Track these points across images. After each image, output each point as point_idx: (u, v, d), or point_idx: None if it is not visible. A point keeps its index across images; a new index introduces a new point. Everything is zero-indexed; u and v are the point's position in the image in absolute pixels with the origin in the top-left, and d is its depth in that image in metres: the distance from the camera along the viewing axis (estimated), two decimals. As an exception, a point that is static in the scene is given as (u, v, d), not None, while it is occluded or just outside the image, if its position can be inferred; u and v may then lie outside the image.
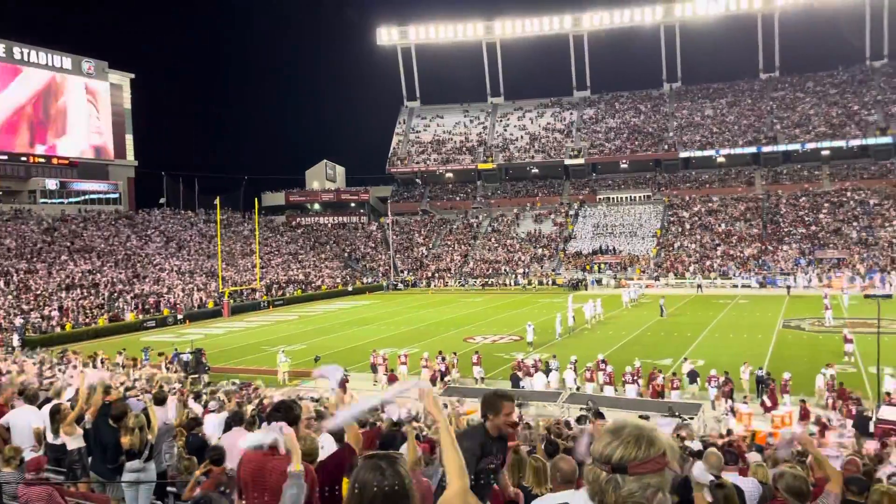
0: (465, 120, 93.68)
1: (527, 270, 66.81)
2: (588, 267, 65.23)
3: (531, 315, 40.78)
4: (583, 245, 69.82)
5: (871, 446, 13.28)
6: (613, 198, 77.84)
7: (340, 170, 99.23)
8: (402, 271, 71.89)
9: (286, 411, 4.00)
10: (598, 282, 60.99)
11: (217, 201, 59.95)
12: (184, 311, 48.58)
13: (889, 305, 31.19)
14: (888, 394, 18.42)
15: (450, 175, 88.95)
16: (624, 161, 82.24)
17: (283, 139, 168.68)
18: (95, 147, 70.52)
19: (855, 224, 62.22)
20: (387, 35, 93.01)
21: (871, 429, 16.18)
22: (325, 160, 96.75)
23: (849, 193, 66.70)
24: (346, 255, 77.00)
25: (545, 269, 66.94)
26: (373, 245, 79.19)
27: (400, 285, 67.96)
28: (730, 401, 19.92)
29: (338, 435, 5.03)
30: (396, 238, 77.55)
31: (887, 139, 70.60)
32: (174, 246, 63.31)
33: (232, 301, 52.53)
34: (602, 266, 64.96)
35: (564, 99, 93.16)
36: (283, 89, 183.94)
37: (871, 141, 71.51)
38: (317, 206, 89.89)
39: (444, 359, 25.14)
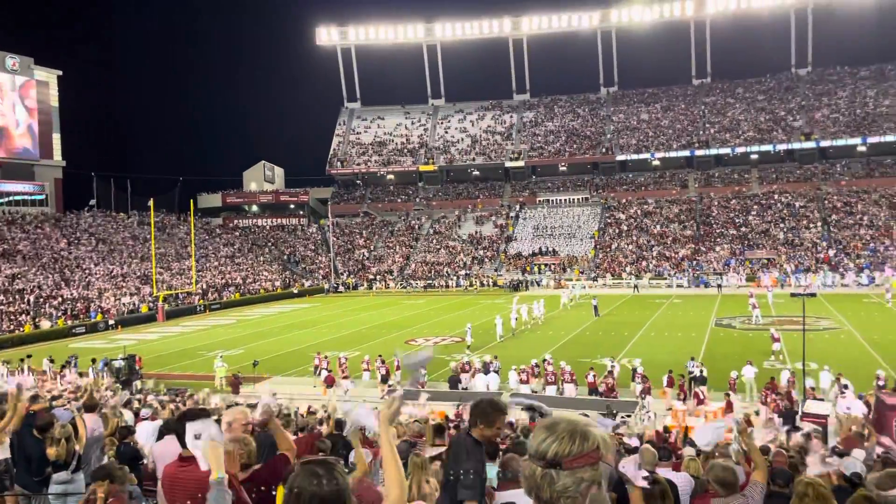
0: (406, 122, 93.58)
1: (468, 272, 67.13)
2: (528, 268, 65.97)
3: (472, 316, 41.02)
4: (523, 246, 70.58)
5: (796, 439, 13.78)
6: (553, 200, 78.91)
7: (279, 171, 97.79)
8: (342, 273, 71.27)
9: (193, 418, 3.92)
10: (538, 283, 61.75)
11: (151, 203, 58.36)
12: (115, 316, 47.06)
13: (813, 304, 32.55)
14: (812, 388, 19.30)
15: (391, 177, 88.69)
16: (563, 164, 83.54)
17: (219, 139, 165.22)
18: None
19: (782, 225, 64.73)
20: (326, 35, 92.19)
21: (797, 422, 16.82)
22: (263, 161, 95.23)
23: (776, 196, 69.31)
24: (285, 257, 75.89)
25: (486, 271, 67.42)
26: (313, 247, 78.27)
27: (341, 288, 67.35)
28: (648, 396, 20.75)
29: (271, 444, 4.92)
30: (337, 240, 76.86)
31: (811, 144, 73.74)
32: (105, 249, 61.22)
33: (167, 305, 51.15)
34: (542, 267, 65.79)
35: (504, 102, 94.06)
36: (219, 88, 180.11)
37: (796, 146, 74.60)
38: (255, 208, 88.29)
39: (383, 361, 24.96)
